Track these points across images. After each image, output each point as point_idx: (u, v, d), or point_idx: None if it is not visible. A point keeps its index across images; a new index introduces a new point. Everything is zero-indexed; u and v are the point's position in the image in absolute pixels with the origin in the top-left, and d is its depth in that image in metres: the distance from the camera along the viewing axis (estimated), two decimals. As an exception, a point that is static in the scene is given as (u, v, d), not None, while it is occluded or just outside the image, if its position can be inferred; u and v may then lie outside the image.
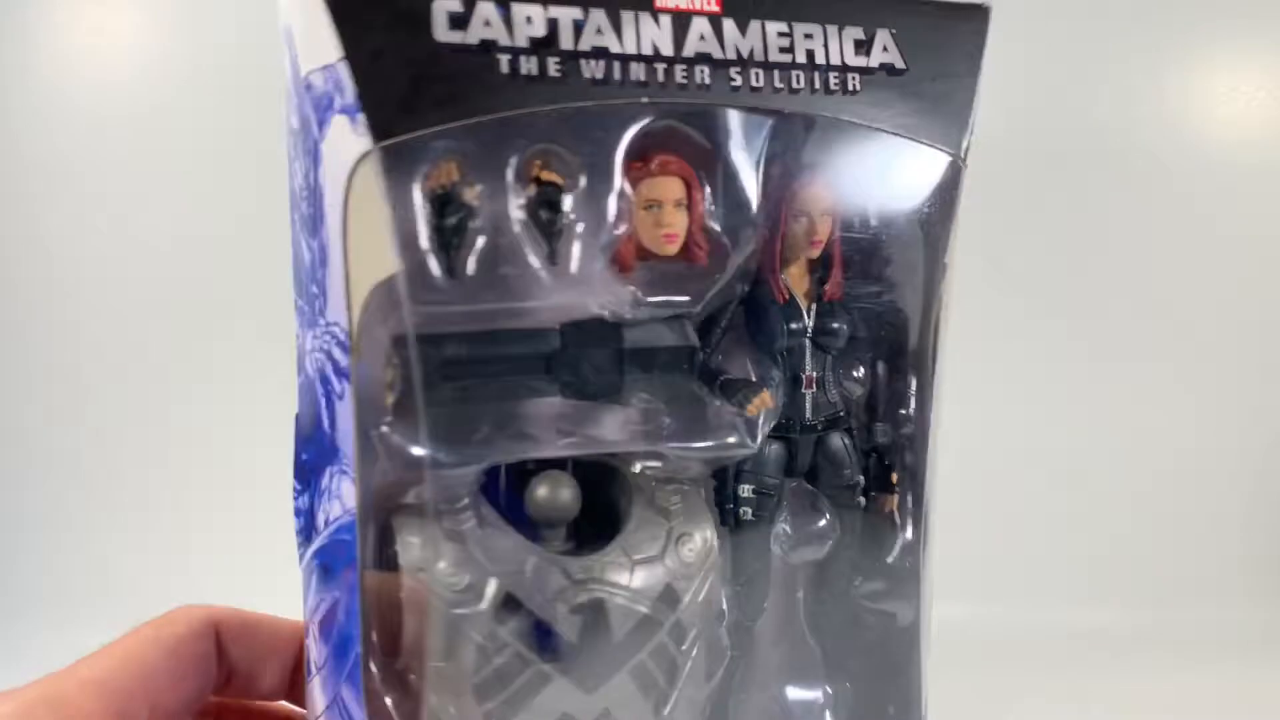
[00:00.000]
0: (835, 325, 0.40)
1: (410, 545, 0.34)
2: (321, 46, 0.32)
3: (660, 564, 0.36)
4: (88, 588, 0.76)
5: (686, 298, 0.37)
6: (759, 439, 0.37)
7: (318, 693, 0.37)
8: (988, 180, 0.75)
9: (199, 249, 0.77)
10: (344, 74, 0.31)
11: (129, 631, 0.37)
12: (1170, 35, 0.76)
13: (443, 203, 0.33)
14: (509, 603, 0.34)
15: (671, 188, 0.36)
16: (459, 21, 0.32)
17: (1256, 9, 0.75)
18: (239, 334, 0.77)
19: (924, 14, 0.38)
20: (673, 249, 0.36)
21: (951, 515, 0.74)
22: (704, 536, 0.37)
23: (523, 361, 0.35)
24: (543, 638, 0.35)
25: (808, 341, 0.40)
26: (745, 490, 0.39)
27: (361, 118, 0.31)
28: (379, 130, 0.31)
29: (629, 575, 0.36)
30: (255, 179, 0.72)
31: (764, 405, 0.38)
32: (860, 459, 0.41)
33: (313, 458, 0.37)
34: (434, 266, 0.34)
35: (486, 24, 0.32)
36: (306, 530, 0.38)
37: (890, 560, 0.42)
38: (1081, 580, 0.76)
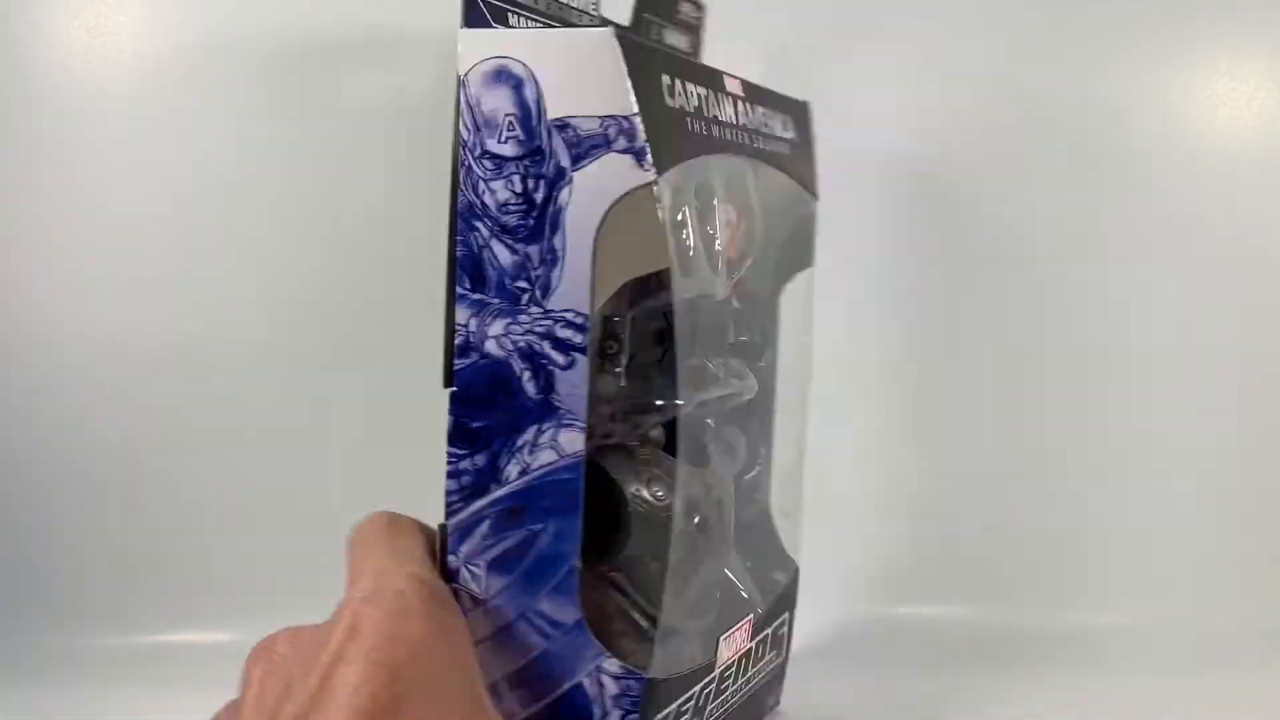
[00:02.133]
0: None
1: (627, 479, 0.47)
2: (605, 100, 0.42)
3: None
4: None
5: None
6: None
7: (483, 621, 0.46)
8: (986, 180, 0.76)
9: (200, 249, 0.75)
10: (639, 126, 0.42)
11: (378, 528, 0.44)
12: (1170, 35, 0.76)
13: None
14: (688, 510, 0.48)
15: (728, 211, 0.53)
16: (670, 93, 0.45)
17: (1256, 9, 0.75)
18: (242, 332, 0.75)
19: (792, 105, 0.59)
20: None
21: (953, 515, 0.77)
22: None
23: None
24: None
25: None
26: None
27: (650, 159, 0.43)
28: (661, 168, 0.43)
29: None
30: (259, 180, 0.74)
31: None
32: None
33: (494, 423, 0.45)
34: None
35: (678, 96, 0.46)
36: (475, 486, 0.45)
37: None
38: (1082, 580, 0.77)
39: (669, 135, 0.45)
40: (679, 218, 0.48)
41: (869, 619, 0.75)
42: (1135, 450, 0.77)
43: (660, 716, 0.47)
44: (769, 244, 0.60)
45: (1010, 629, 0.74)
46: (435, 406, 0.58)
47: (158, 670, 0.69)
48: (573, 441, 0.44)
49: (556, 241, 0.44)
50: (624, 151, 0.43)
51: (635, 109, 0.43)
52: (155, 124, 0.74)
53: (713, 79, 0.50)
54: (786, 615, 0.61)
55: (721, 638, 0.52)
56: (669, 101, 0.45)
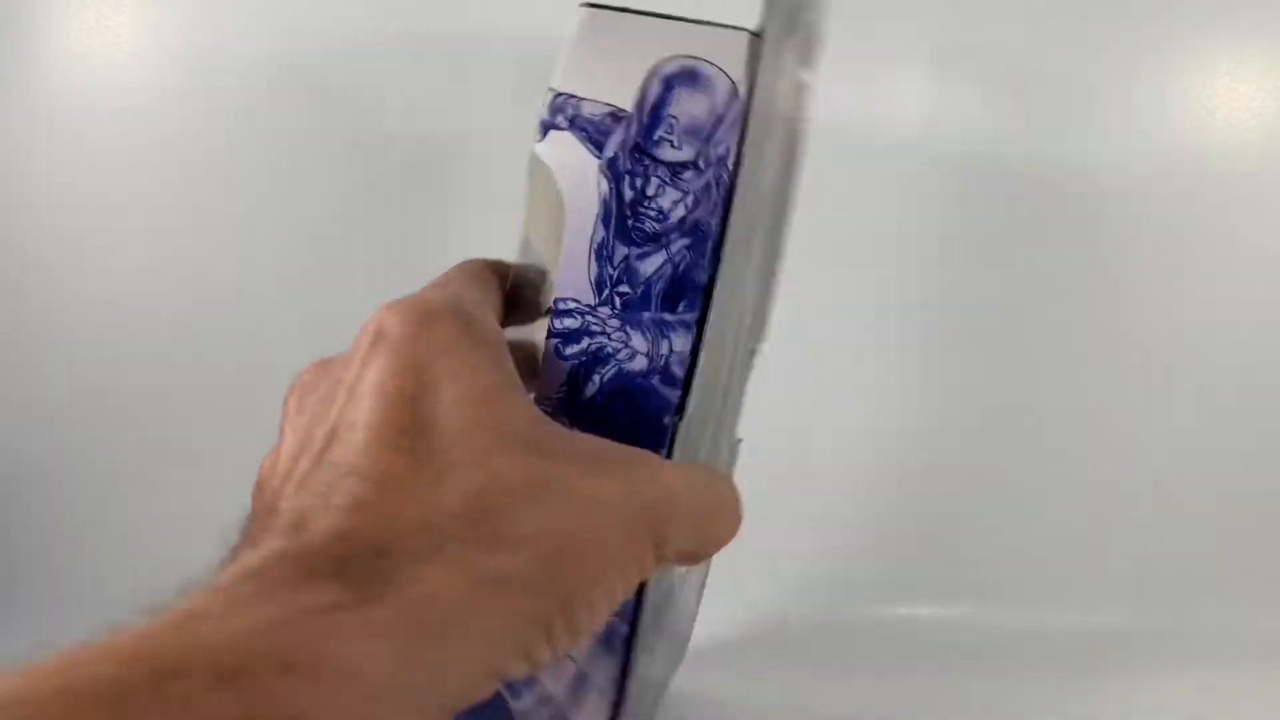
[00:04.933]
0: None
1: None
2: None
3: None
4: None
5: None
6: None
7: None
8: (985, 182, 0.75)
9: (200, 249, 0.73)
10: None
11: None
12: (1169, 36, 0.76)
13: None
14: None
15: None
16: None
17: (1256, 9, 0.75)
18: (244, 331, 0.73)
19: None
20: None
21: (951, 514, 0.75)
22: None
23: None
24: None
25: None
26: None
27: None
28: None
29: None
30: (259, 181, 0.74)
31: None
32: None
33: None
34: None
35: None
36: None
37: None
38: (1085, 581, 0.76)
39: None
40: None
41: (867, 619, 0.75)
42: (1136, 450, 0.75)
43: None
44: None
45: (1010, 629, 0.72)
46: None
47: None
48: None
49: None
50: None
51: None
52: (155, 124, 0.73)
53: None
54: None
55: None
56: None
